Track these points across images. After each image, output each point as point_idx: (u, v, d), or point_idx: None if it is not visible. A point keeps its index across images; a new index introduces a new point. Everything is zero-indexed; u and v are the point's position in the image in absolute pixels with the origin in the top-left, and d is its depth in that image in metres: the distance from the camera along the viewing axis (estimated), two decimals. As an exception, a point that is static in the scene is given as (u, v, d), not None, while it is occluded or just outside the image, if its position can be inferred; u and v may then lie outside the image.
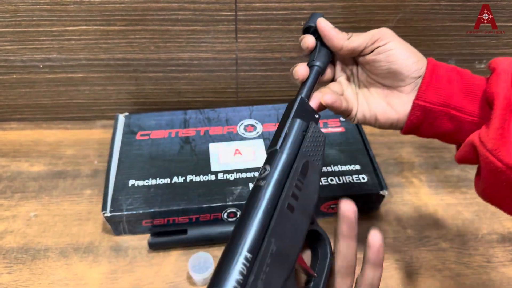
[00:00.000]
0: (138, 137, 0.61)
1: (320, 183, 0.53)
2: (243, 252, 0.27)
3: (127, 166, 0.56)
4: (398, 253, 0.53)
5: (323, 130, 0.62)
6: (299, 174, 0.33)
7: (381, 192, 0.54)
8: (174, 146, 0.60)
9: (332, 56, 0.42)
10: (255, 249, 0.28)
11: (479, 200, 0.59)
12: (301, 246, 0.31)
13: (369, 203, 0.56)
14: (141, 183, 0.54)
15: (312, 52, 0.41)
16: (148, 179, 0.55)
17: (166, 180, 0.55)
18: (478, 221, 0.57)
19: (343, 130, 0.63)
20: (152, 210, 0.51)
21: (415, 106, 0.38)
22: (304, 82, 0.39)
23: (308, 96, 0.39)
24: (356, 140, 0.61)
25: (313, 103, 0.39)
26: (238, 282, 0.26)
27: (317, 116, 0.38)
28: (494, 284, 0.50)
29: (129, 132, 0.61)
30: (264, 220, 0.29)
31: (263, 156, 0.58)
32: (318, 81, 0.40)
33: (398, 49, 0.38)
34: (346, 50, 0.39)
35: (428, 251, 0.53)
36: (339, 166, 0.57)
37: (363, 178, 0.56)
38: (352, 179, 0.56)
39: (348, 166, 0.57)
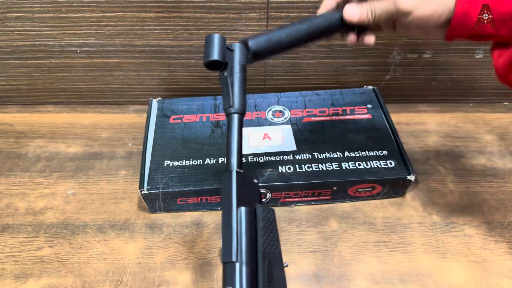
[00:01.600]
0: (171, 120, 0.63)
1: (347, 168, 0.55)
2: None
3: (162, 147, 0.59)
4: (424, 238, 0.54)
5: (349, 117, 0.63)
6: (267, 284, 0.30)
7: (408, 177, 0.55)
8: (206, 129, 0.62)
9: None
10: None
11: (506, 189, 0.60)
12: None
13: (396, 187, 0.57)
14: (175, 163, 0.56)
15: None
16: (182, 160, 0.57)
17: (199, 162, 0.57)
18: (504, 209, 0.58)
19: (370, 117, 0.64)
20: (187, 189, 0.53)
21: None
22: (229, 146, 0.36)
23: (240, 162, 0.35)
24: (383, 126, 0.62)
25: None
26: None
27: (255, 181, 0.36)
28: (520, 270, 0.51)
29: (162, 116, 0.64)
30: None
31: (292, 140, 0.60)
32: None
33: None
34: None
35: (454, 237, 0.54)
36: (366, 151, 0.59)
37: (391, 163, 0.57)
38: (380, 164, 0.57)
39: (376, 151, 0.58)
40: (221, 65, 0.38)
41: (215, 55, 0.37)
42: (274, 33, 0.41)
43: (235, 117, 0.37)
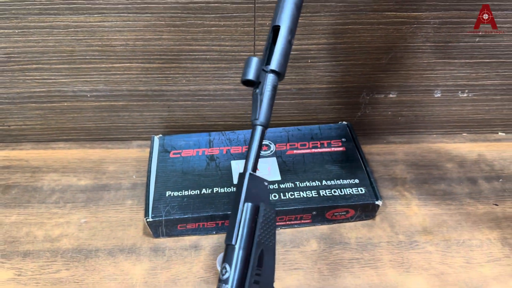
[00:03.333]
0: (171, 155, 0.72)
1: (325, 195, 0.64)
2: None
3: (164, 179, 0.67)
4: (391, 255, 0.63)
5: (326, 149, 0.73)
6: (256, 267, 0.37)
7: (377, 202, 0.64)
8: (202, 163, 0.71)
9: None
10: None
11: (462, 211, 0.69)
12: None
13: (367, 211, 0.66)
14: (176, 193, 0.65)
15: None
16: (182, 191, 0.65)
17: (197, 192, 0.65)
18: (460, 229, 0.67)
19: (344, 149, 0.73)
20: (186, 216, 0.62)
21: None
22: (249, 150, 0.42)
23: (255, 166, 0.42)
24: (355, 158, 0.72)
25: None
26: None
27: (266, 183, 0.42)
28: (472, 282, 0.59)
29: (163, 151, 0.72)
30: None
31: (277, 171, 0.69)
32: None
33: None
34: None
35: (417, 253, 0.63)
36: (341, 180, 0.68)
37: (361, 190, 0.66)
38: (352, 191, 0.66)
39: (348, 180, 0.68)
40: (254, 84, 0.43)
41: (250, 75, 0.42)
42: (285, 42, 0.43)
43: (259, 128, 0.43)
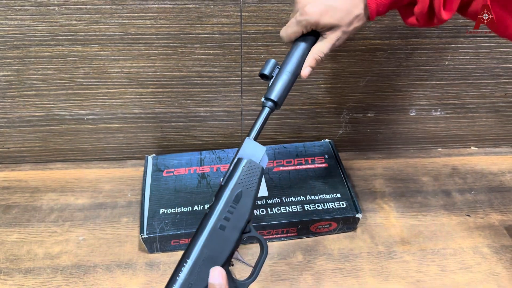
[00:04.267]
0: (164, 174, 0.76)
1: (309, 209, 0.69)
2: (184, 258, 0.45)
3: (157, 197, 0.71)
4: (371, 264, 0.67)
5: (310, 166, 0.78)
6: (232, 202, 0.47)
7: (357, 215, 0.69)
8: (193, 181, 0.75)
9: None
10: (191, 256, 0.45)
11: (437, 222, 0.74)
12: (232, 249, 0.46)
13: (348, 224, 0.71)
14: (169, 211, 0.69)
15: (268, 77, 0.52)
16: (175, 208, 0.70)
17: (189, 208, 0.70)
18: (435, 239, 0.72)
19: (326, 165, 0.78)
20: (179, 232, 0.66)
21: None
22: (254, 123, 0.52)
23: (256, 136, 0.51)
24: (337, 173, 0.77)
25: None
26: (178, 276, 0.44)
27: (262, 151, 0.51)
28: None
29: (157, 170, 0.77)
30: (201, 237, 0.46)
31: (264, 187, 0.74)
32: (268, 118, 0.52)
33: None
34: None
35: (395, 263, 0.68)
36: (324, 195, 0.73)
37: (343, 204, 0.71)
38: (334, 205, 0.71)
39: (331, 194, 0.73)
40: (268, 77, 0.53)
41: (266, 71, 0.52)
42: (283, 78, 0.52)
43: (266, 109, 0.52)
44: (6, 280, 0.64)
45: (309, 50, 0.53)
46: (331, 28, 0.51)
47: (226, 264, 0.46)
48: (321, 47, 0.52)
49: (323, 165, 0.78)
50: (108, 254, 0.68)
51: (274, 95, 0.52)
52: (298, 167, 0.78)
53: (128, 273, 0.65)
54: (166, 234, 0.66)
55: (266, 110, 0.52)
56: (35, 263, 0.67)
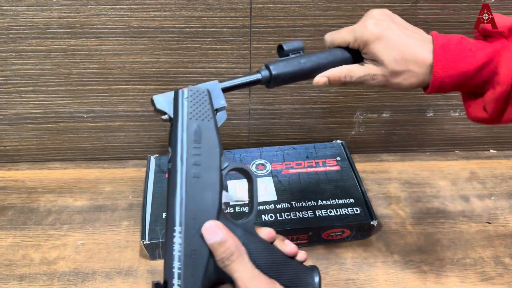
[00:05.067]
0: (167, 176, 0.72)
1: (320, 215, 0.65)
2: (171, 228, 0.36)
3: (160, 201, 0.68)
4: (387, 275, 0.63)
5: (321, 169, 0.74)
6: (193, 141, 0.38)
7: (372, 222, 0.65)
8: (198, 184, 0.71)
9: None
10: (177, 221, 0.36)
11: (456, 229, 0.70)
12: (219, 195, 0.38)
13: (362, 231, 0.67)
14: (172, 216, 0.65)
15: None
16: (178, 213, 0.66)
17: (193, 213, 0.66)
18: (454, 247, 0.68)
19: (339, 168, 0.74)
20: (183, 239, 0.62)
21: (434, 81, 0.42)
22: (234, 77, 0.44)
23: (226, 87, 0.44)
24: (350, 177, 0.73)
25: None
26: (173, 249, 0.35)
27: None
28: (467, 301, 0.61)
29: (159, 171, 0.73)
30: (178, 196, 0.37)
31: (273, 191, 0.70)
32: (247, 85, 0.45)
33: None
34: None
35: (412, 273, 0.64)
36: (336, 200, 0.69)
37: (357, 210, 0.67)
38: (348, 211, 0.67)
39: (344, 199, 0.69)
40: (283, 54, 0.47)
41: (286, 46, 0.47)
42: (296, 64, 0.46)
43: (258, 74, 0.45)
44: (0, 286, 0.60)
45: (340, 64, 0.47)
46: (375, 60, 0.45)
47: (221, 213, 0.38)
48: (353, 71, 0.46)
49: (335, 167, 0.74)
50: (107, 260, 0.64)
51: (276, 68, 0.45)
52: (308, 169, 0.74)
53: (129, 281, 0.62)
54: (169, 240, 0.62)
55: (257, 75, 0.45)
56: (31, 269, 0.63)
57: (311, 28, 0.65)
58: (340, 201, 0.68)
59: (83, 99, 0.72)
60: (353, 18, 0.63)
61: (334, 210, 0.67)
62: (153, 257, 0.64)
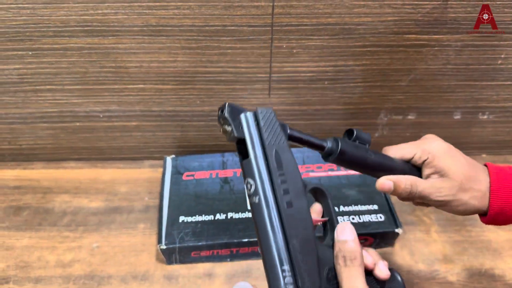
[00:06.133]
0: (184, 177, 0.70)
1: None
2: (283, 268, 0.33)
3: (177, 203, 0.66)
4: (411, 286, 0.61)
5: (343, 172, 0.71)
6: (277, 169, 0.35)
7: (396, 230, 0.62)
8: (215, 186, 0.69)
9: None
10: (283, 260, 0.33)
11: (483, 238, 0.67)
12: (309, 215, 0.36)
13: (386, 239, 0.64)
14: (189, 219, 0.63)
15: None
16: (195, 216, 0.64)
17: (210, 217, 0.64)
18: (481, 257, 0.65)
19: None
20: (200, 243, 0.60)
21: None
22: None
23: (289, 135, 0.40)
24: (373, 182, 0.69)
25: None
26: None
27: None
28: (496, 314, 0.58)
29: (176, 172, 0.71)
30: (276, 232, 0.34)
31: (292, 196, 0.67)
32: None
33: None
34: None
35: (438, 284, 0.61)
36: (359, 205, 0.66)
37: (381, 217, 0.64)
38: (371, 218, 0.64)
39: (367, 206, 0.66)
40: (351, 137, 0.46)
41: (356, 132, 0.46)
42: (362, 147, 0.45)
43: (325, 142, 0.44)
44: (16, 289, 0.60)
45: (405, 172, 0.45)
46: (442, 174, 0.45)
47: (315, 237, 0.36)
48: (418, 181, 0.44)
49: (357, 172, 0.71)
50: (123, 264, 0.63)
51: (345, 145, 0.43)
52: (329, 173, 0.72)
53: (145, 286, 0.60)
54: (186, 245, 0.60)
55: (323, 141, 0.43)
56: (46, 272, 0.62)
57: (335, 27, 0.62)
58: (363, 208, 0.66)
59: (99, 98, 0.71)
60: (380, 17, 0.61)
61: (357, 216, 0.64)
62: (169, 261, 0.62)
